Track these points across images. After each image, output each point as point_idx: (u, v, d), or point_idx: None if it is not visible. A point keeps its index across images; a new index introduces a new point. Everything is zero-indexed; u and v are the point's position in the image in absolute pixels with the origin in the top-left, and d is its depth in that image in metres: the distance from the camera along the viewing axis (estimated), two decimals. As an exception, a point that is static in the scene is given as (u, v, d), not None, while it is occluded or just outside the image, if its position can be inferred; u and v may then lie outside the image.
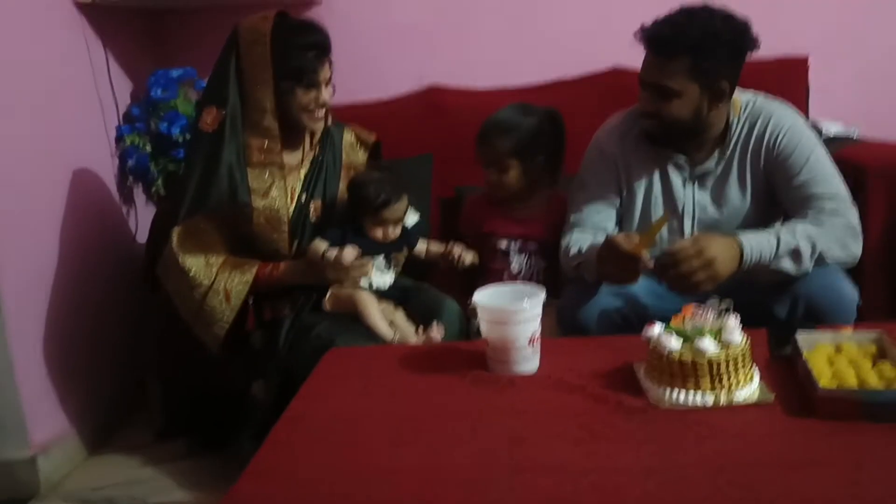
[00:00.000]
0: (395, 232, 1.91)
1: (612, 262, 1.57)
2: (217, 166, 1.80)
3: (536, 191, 2.05)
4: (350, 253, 1.78)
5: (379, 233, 1.89)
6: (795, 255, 1.56)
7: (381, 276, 1.91)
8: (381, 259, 1.91)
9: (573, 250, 1.76)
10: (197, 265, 1.81)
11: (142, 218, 2.56)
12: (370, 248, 1.87)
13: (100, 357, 2.32)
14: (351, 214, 1.91)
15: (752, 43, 1.65)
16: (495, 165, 2.01)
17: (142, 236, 2.51)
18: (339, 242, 1.82)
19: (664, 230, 1.74)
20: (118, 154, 2.47)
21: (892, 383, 1.16)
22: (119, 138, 2.46)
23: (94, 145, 2.38)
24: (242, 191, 1.82)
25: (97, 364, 2.31)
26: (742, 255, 1.54)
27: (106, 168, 2.43)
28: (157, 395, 2.23)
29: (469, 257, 1.98)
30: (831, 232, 1.59)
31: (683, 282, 1.51)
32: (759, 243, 1.55)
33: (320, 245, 1.83)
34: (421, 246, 2.03)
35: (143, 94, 2.50)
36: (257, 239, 1.88)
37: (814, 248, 1.56)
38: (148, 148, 2.44)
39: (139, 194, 2.60)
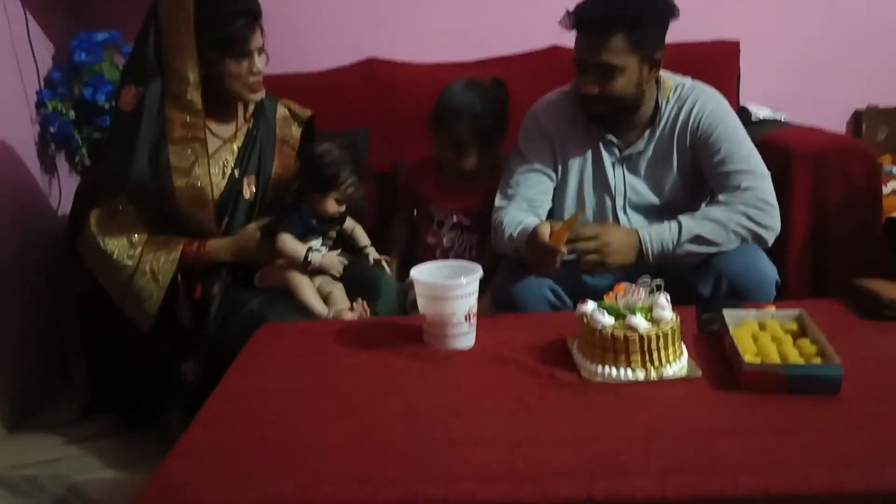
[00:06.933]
0: (342, 208, 1.89)
1: (534, 252, 1.58)
2: (134, 145, 1.72)
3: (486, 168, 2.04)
4: (337, 263, 1.80)
5: (332, 208, 1.85)
6: (699, 239, 1.61)
7: (320, 254, 1.88)
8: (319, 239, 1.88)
9: (507, 232, 1.74)
10: (119, 247, 1.76)
11: (65, 188, 2.45)
12: (316, 228, 1.83)
13: (20, 330, 2.23)
14: (297, 189, 1.86)
15: (674, 9, 1.68)
16: (455, 149, 2.00)
17: (65, 207, 2.40)
18: (300, 230, 1.79)
19: (595, 214, 1.80)
20: (39, 120, 2.36)
21: (811, 358, 1.21)
22: (40, 104, 2.35)
23: (13, 110, 2.26)
24: (162, 169, 1.74)
25: (17, 338, 2.21)
26: (641, 245, 1.59)
27: (26, 135, 2.32)
28: (81, 370, 2.15)
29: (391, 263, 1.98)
30: (739, 207, 1.64)
31: (582, 260, 1.57)
32: (659, 233, 1.61)
33: (293, 244, 1.78)
34: (349, 224, 1.99)
35: (66, 57, 2.39)
36: (183, 217, 1.81)
37: (722, 226, 1.61)
38: (72, 114, 2.34)
39: (62, 164, 2.49)
